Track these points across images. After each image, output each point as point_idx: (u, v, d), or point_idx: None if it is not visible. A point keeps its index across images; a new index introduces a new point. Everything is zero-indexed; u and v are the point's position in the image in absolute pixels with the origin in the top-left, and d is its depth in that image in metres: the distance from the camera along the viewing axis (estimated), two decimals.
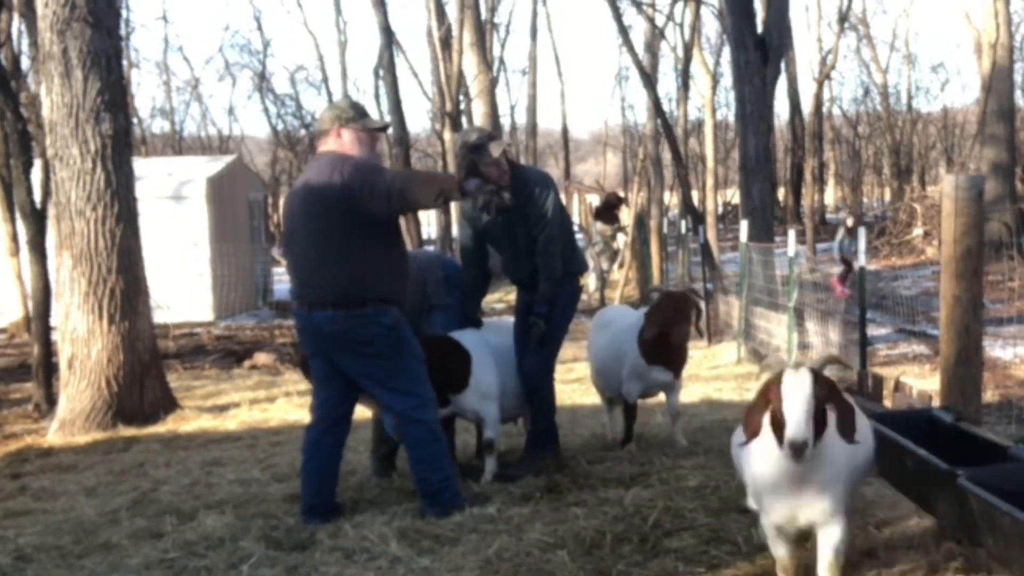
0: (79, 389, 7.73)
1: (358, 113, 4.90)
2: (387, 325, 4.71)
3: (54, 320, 8.49)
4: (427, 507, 4.82)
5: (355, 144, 4.82)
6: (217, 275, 16.30)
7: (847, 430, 3.30)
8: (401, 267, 4.83)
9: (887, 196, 36.89)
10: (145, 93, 64.79)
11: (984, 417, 5.31)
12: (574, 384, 8.40)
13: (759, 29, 12.03)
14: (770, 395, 3.23)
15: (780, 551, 3.53)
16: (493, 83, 25.90)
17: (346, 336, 4.72)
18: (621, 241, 17.15)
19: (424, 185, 4.78)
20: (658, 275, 14.19)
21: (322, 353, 4.86)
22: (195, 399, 9.03)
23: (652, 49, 26.43)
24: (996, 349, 8.82)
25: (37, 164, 9.69)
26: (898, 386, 5.48)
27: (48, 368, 8.86)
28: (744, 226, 10.20)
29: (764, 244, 10.37)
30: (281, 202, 40.78)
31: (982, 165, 20.29)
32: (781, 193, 34.10)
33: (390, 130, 16.19)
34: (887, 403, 5.61)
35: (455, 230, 13.65)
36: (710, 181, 24.96)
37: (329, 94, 36.63)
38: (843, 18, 26.69)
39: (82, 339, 7.73)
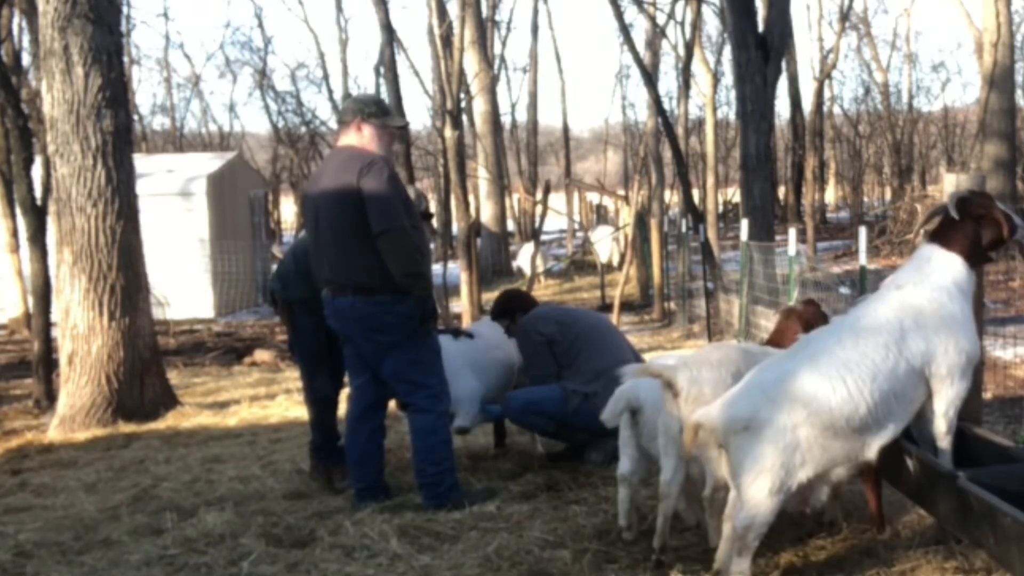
0: (79, 385, 7.73)
1: (380, 109, 5.02)
2: (404, 315, 4.79)
3: (54, 316, 8.49)
4: (423, 497, 4.93)
5: (373, 140, 4.93)
6: (218, 272, 16.31)
7: None
8: (423, 259, 4.92)
9: (888, 195, 36.89)
10: (146, 90, 64.98)
11: (984, 417, 5.31)
12: None
13: (760, 28, 12.02)
14: None
15: None
16: (494, 81, 25.92)
17: (365, 322, 4.83)
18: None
19: (410, 263, 4.75)
20: (659, 274, 14.18)
21: (349, 339, 4.96)
22: (195, 396, 9.03)
23: (653, 47, 26.46)
24: (996, 349, 8.81)
25: (38, 160, 9.69)
26: None
27: (48, 364, 8.87)
28: (745, 225, 10.19)
29: (765, 243, 10.36)
30: (282, 199, 40.86)
31: (984, 162, 20.27)
32: (782, 192, 34.11)
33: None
34: None
35: (455, 228, 13.64)
36: (711, 180, 24.94)
37: (330, 91, 36.71)
38: (844, 17, 26.68)
39: (82, 335, 7.73)
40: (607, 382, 5.39)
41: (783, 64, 13.90)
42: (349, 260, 4.81)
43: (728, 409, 3.55)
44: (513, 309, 5.89)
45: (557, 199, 34.18)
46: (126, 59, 21.51)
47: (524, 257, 20.95)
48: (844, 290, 11.17)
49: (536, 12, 36.43)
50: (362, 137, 4.93)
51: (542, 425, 5.57)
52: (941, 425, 3.64)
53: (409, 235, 4.72)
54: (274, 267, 7.09)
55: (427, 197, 5.97)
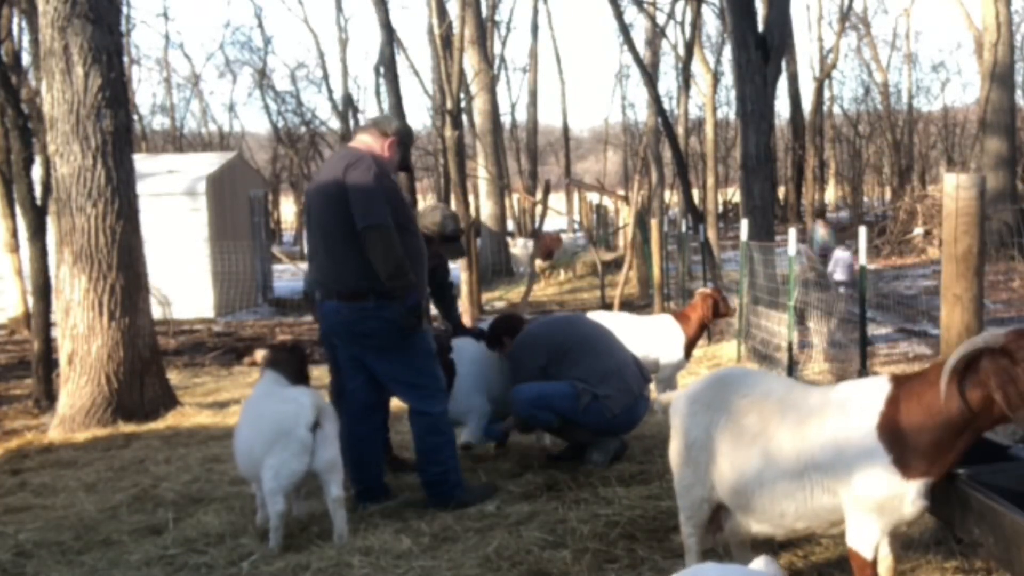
0: (79, 385, 7.73)
1: (407, 146, 5.11)
2: (388, 319, 4.76)
3: (54, 316, 8.49)
4: (427, 496, 4.96)
5: (385, 154, 4.93)
6: (218, 272, 16.31)
7: None
8: (413, 263, 4.84)
9: (887, 195, 36.91)
10: (146, 90, 64.95)
11: None
12: None
13: (760, 28, 12.02)
14: None
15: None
16: (494, 80, 25.90)
17: (349, 327, 4.81)
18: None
19: (393, 263, 4.68)
20: (658, 273, 14.19)
21: (342, 342, 4.96)
22: (195, 396, 9.03)
23: (653, 47, 26.45)
24: None
25: (38, 160, 9.68)
26: None
27: (48, 364, 8.87)
28: (745, 225, 10.19)
29: (765, 243, 10.36)
30: (282, 199, 40.86)
31: (984, 158, 20.28)
32: (782, 191, 34.13)
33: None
34: None
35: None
36: (711, 180, 24.96)
37: (330, 91, 36.74)
38: (844, 17, 26.72)
39: (82, 335, 7.73)
40: (617, 383, 5.40)
41: (783, 64, 13.90)
42: (336, 262, 4.78)
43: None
44: (501, 334, 5.92)
45: (557, 199, 34.17)
46: (126, 59, 21.50)
47: (523, 256, 21.03)
48: (844, 290, 11.14)
49: (536, 12, 36.21)
50: (375, 146, 4.91)
51: (547, 420, 5.53)
52: None
53: (393, 233, 4.67)
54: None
55: (458, 218, 6.02)
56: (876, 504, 3.16)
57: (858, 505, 3.19)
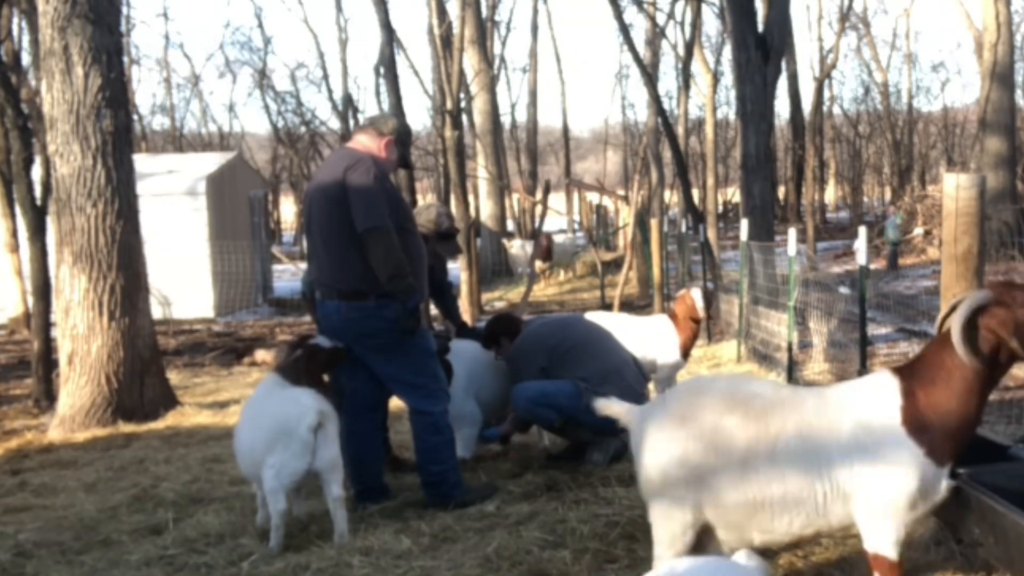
0: (79, 385, 7.73)
1: (409, 143, 5.11)
2: (389, 319, 4.77)
3: (54, 316, 8.49)
4: (426, 496, 4.96)
5: (383, 154, 4.91)
6: (217, 272, 16.31)
7: None
8: (413, 263, 4.83)
9: (888, 195, 36.92)
10: (146, 90, 65.03)
11: (984, 417, 5.30)
12: None
13: (760, 28, 12.03)
14: None
15: None
16: (494, 80, 25.89)
17: (350, 327, 4.83)
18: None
19: (393, 265, 4.66)
20: (658, 274, 14.21)
21: (341, 341, 4.96)
22: (195, 396, 9.02)
23: (653, 47, 26.48)
24: None
25: (38, 160, 9.68)
26: None
27: (48, 364, 8.86)
28: (745, 225, 10.19)
29: (765, 243, 10.36)
30: (282, 199, 40.87)
31: (984, 157, 20.28)
32: (782, 192, 34.14)
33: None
34: None
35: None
36: (711, 180, 24.96)
37: (330, 91, 36.72)
38: (844, 17, 26.73)
39: (82, 335, 7.73)
40: (619, 382, 5.40)
41: (783, 64, 13.90)
42: (336, 263, 4.79)
43: None
44: (498, 334, 5.92)
45: (557, 199, 34.18)
46: (126, 59, 21.49)
47: (520, 257, 21.01)
48: (844, 290, 11.15)
49: (536, 12, 36.16)
50: (372, 146, 4.90)
51: (549, 418, 5.51)
52: None
53: (393, 235, 4.67)
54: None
55: (453, 216, 6.02)
56: (909, 499, 3.07)
57: (888, 503, 3.08)
